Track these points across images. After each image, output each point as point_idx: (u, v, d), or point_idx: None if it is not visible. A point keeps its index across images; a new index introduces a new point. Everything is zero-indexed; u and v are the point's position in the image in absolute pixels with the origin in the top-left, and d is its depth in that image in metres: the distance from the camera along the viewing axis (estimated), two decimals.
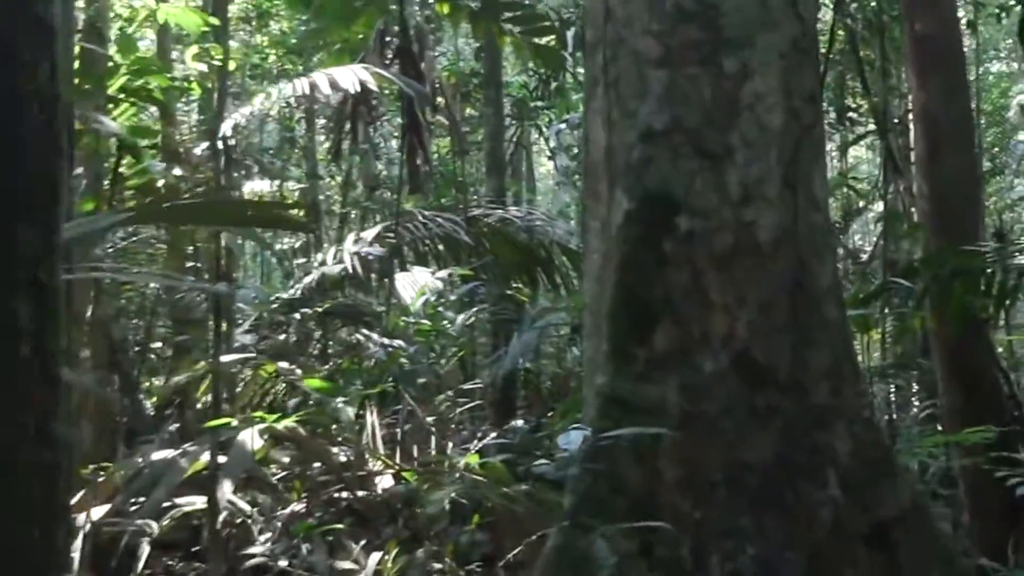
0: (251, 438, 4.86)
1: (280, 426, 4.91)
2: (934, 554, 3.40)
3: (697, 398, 3.28)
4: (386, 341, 5.58)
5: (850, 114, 9.37)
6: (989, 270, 4.70)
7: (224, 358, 5.10)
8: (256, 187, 12.08)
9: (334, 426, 4.93)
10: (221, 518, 4.33)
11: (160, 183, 5.39)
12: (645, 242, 3.28)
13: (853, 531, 3.34)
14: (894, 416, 8.17)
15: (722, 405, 3.29)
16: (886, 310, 5.96)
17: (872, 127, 8.69)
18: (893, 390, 8.33)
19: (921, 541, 3.39)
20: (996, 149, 11.17)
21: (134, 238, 6.82)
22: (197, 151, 8.25)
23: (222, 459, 4.38)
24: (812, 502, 3.44)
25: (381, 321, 5.19)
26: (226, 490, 4.64)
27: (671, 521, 3.27)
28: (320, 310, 6.11)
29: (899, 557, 3.39)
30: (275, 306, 6.67)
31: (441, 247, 7.07)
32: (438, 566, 4.08)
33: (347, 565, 4.22)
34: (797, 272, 3.33)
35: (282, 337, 6.38)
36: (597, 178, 3.51)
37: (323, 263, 7.17)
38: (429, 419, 5.23)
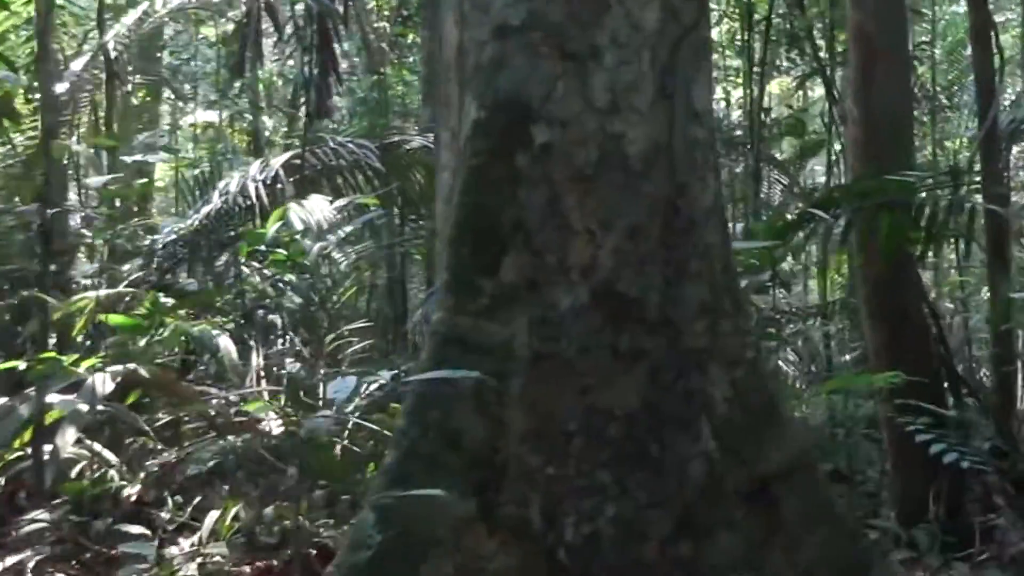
0: (102, 382, 4.41)
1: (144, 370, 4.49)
2: (819, 513, 3.09)
3: (551, 337, 2.95)
4: (268, 272, 5.12)
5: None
6: (918, 203, 4.32)
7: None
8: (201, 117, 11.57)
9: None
10: (79, 468, 4.26)
11: None
12: (495, 156, 2.89)
13: (729, 488, 3.05)
14: (831, 359, 7.84)
15: (580, 345, 2.98)
16: (809, 244, 5.58)
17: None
18: (833, 330, 8.00)
19: (806, 499, 3.10)
20: (955, 88, 10.83)
21: None
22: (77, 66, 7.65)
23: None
24: (682, 456, 3.23)
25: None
26: (68, 437, 4.17)
27: (518, 478, 2.96)
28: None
29: (781, 516, 3.08)
30: (173, 237, 6.17)
31: (360, 177, 6.67)
32: (287, 523, 3.69)
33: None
34: (672, 193, 2.97)
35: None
36: (448, 81, 3.06)
37: (225, 192, 6.71)
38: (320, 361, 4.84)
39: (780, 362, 7.06)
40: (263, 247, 4.87)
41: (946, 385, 5.38)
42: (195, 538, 3.87)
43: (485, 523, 2.89)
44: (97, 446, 4.75)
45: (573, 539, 2.97)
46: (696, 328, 3.12)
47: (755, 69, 9.12)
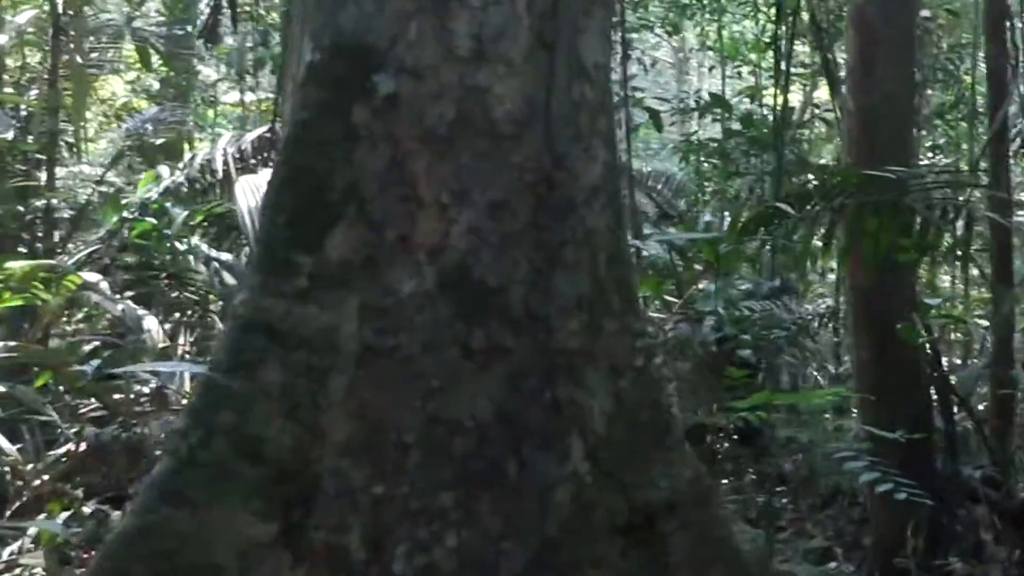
0: None
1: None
2: (714, 554, 2.60)
3: (387, 329, 2.59)
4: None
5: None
6: (908, 205, 3.88)
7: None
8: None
9: None
10: None
11: None
12: (328, 108, 2.49)
13: (602, 520, 2.60)
14: (838, 369, 7.43)
15: (423, 340, 2.62)
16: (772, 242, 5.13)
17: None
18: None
19: (698, 534, 2.61)
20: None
21: None
22: None
23: None
24: (546, 478, 2.86)
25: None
26: None
27: (335, 497, 2.77)
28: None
29: (666, 556, 2.59)
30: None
31: None
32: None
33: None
34: (547, 165, 2.55)
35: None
36: (295, 19, 2.63)
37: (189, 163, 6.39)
38: None
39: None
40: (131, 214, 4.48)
41: (936, 404, 4.92)
42: (18, 545, 3.47)
43: (288, 550, 2.47)
44: None
45: (403, 572, 2.53)
46: (570, 326, 2.69)
47: (781, 65, 8.63)
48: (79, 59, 8.33)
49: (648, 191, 10.42)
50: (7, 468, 4.35)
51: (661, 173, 11.17)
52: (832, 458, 4.30)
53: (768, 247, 5.63)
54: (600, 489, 2.87)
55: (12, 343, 4.82)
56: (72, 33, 8.28)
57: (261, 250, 2.68)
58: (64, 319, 6.10)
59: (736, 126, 8.61)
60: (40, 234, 6.87)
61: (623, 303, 2.96)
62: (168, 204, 4.42)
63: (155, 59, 8.70)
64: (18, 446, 4.53)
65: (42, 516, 3.91)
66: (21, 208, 6.93)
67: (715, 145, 9.63)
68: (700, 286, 4.88)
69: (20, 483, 4.29)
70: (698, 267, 4.82)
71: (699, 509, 2.96)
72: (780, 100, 8.55)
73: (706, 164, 9.94)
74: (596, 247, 2.90)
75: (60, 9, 8.02)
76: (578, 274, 2.86)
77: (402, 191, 2.71)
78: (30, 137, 8.14)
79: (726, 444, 5.69)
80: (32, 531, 3.64)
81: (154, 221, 4.37)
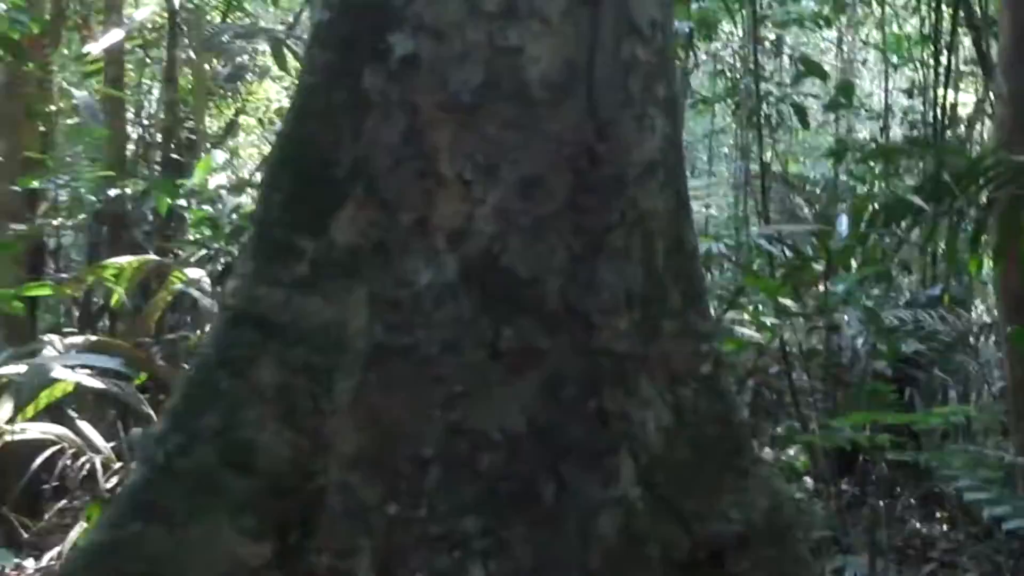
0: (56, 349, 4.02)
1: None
2: None
3: (401, 325, 2.50)
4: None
5: None
6: None
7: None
8: None
9: None
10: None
11: None
12: (336, 73, 2.23)
13: (658, 554, 2.21)
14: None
15: (443, 339, 2.53)
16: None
17: None
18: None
19: (775, 572, 2.19)
20: None
21: None
22: None
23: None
24: (588, 503, 2.49)
25: None
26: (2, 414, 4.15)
27: (341, 517, 2.43)
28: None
29: None
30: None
31: None
32: None
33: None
34: (589, 136, 2.19)
35: None
36: None
37: None
38: None
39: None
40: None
41: None
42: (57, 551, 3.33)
43: (284, 575, 2.13)
44: (88, 427, 4.30)
45: None
46: (617, 325, 2.35)
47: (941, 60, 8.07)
48: (194, 55, 8.35)
49: (807, 196, 9.90)
50: (100, 465, 4.25)
51: (807, 177, 10.63)
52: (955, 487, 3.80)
53: (905, 246, 5.13)
54: (654, 518, 2.50)
55: (94, 338, 4.72)
56: (188, 30, 8.33)
57: (257, 233, 2.43)
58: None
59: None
60: (147, 230, 6.87)
61: (685, 299, 2.59)
62: (223, 191, 4.26)
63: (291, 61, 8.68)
64: (112, 444, 4.46)
65: None
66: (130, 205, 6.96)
67: (873, 146, 9.09)
68: (821, 288, 4.44)
69: (114, 480, 4.19)
70: (817, 267, 4.38)
71: (777, 546, 2.56)
72: (942, 97, 7.99)
73: (861, 166, 9.34)
74: (651, 233, 2.55)
75: (176, 5, 8.05)
76: (627, 264, 2.50)
77: (419, 166, 2.43)
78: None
79: (882, 465, 5.20)
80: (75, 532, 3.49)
81: (209, 209, 4.23)
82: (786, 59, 10.87)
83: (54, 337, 4.50)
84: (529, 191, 2.47)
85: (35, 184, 4.60)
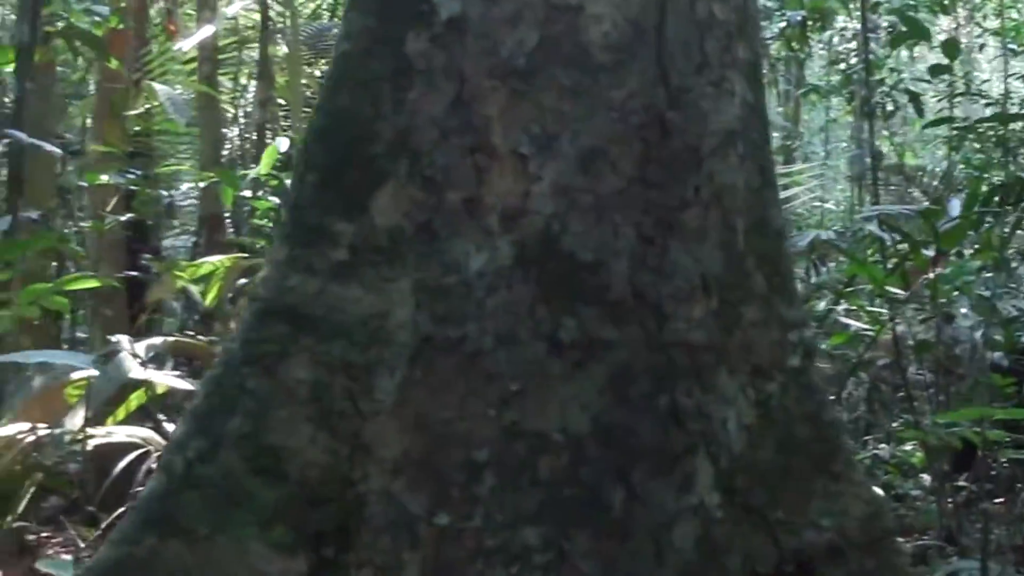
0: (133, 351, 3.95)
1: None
2: None
3: (449, 315, 2.28)
4: None
5: None
6: None
7: None
8: None
9: None
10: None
11: None
12: (375, 38, 2.00)
13: (740, 567, 1.99)
14: None
15: (497, 330, 2.30)
16: None
17: None
18: None
19: None
20: None
21: None
22: None
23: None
24: (662, 511, 2.26)
25: None
26: (76, 419, 3.94)
27: (384, 529, 2.22)
28: None
29: None
30: None
31: None
32: None
33: None
34: (660, 100, 1.94)
35: None
36: None
37: None
38: None
39: None
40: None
41: None
42: None
43: None
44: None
45: None
46: (692, 313, 2.12)
47: None
48: (288, 50, 8.27)
49: (924, 188, 9.48)
50: None
51: (925, 168, 10.19)
52: None
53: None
54: (736, 528, 2.27)
55: (171, 338, 4.63)
56: (284, 24, 8.26)
57: (290, 217, 2.24)
58: None
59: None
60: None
61: (769, 284, 2.34)
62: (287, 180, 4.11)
63: None
64: None
65: None
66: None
67: (992, 133, 8.63)
68: (931, 275, 4.09)
69: None
70: (928, 253, 4.04)
71: (874, 556, 2.32)
72: None
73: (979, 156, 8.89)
74: (730, 210, 2.31)
75: (268, 1, 7.97)
76: (703, 245, 2.27)
77: (468, 140, 2.24)
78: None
79: (1001, 461, 4.84)
80: None
81: (276, 200, 4.08)
82: (903, 51, 10.43)
83: (123, 338, 4.42)
84: (591, 165, 2.24)
85: (104, 179, 4.53)
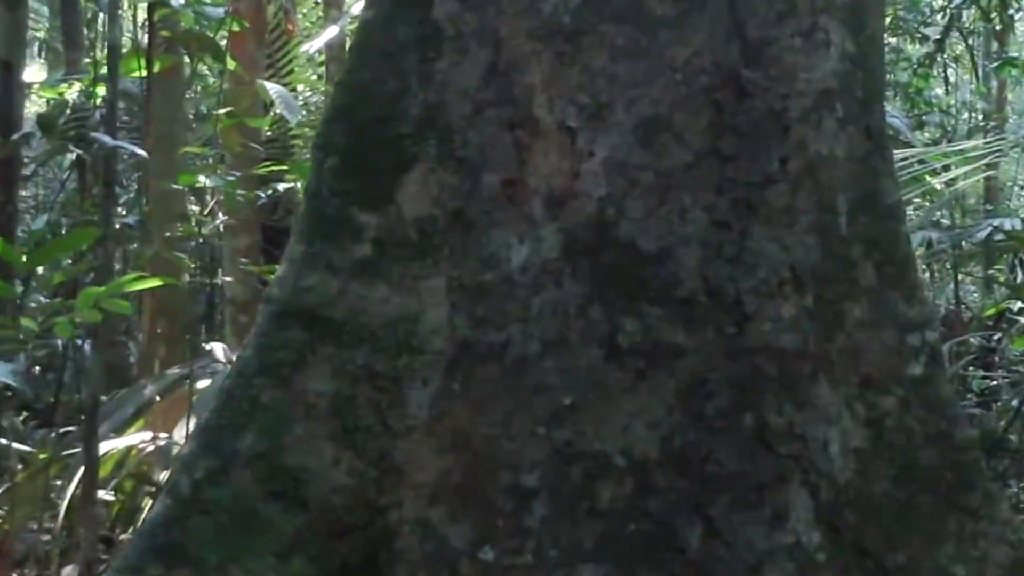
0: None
1: None
2: None
3: (490, 317, 2.01)
4: None
5: None
6: None
7: None
8: None
9: None
10: None
11: None
12: (402, 3, 1.76)
13: None
14: None
15: (546, 335, 2.05)
16: None
17: None
18: None
19: None
20: None
21: None
22: None
23: None
24: (749, 551, 1.91)
25: None
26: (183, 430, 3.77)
27: (419, 562, 1.94)
28: None
29: None
30: None
31: None
32: None
33: None
34: (734, 57, 1.66)
35: None
36: None
37: None
38: None
39: None
40: None
41: None
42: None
43: None
44: None
45: None
46: (782, 312, 1.73)
47: None
48: None
49: None
50: None
51: None
52: None
53: None
54: (843, 573, 1.83)
55: None
56: None
57: (308, 208, 1.98)
58: None
59: None
60: None
61: (881, 275, 1.96)
62: None
63: None
64: None
65: None
66: None
67: None
68: None
69: None
70: None
71: None
72: None
73: None
74: (828, 186, 1.95)
75: None
76: (793, 229, 1.92)
77: (507, 113, 1.97)
78: None
79: None
80: None
81: None
82: None
83: (217, 345, 4.32)
84: (652, 138, 1.93)
85: (203, 181, 4.47)
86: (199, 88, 7.68)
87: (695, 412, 2.00)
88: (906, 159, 4.63)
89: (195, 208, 6.74)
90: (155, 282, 3.13)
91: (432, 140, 2.01)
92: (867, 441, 2.03)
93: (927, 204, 7.96)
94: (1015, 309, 5.03)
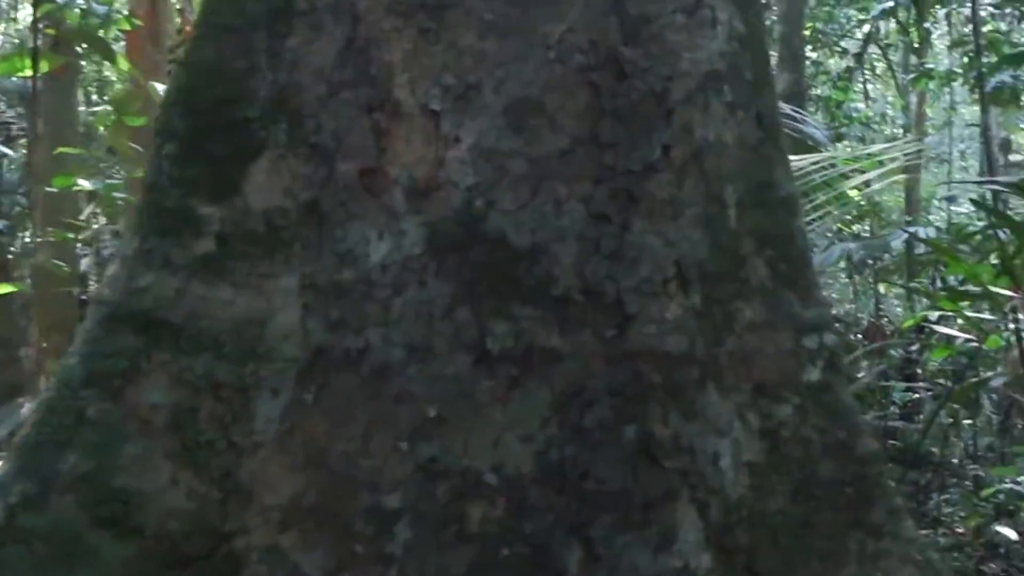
0: None
1: None
2: None
3: (346, 321, 1.81)
4: None
5: None
6: None
7: None
8: None
9: None
10: None
11: None
12: None
13: None
14: None
15: (409, 339, 1.83)
16: None
17: None
18: None
19: None
20: None
21: None
22: None
23: None
24: (634, 574, 1.91)
25: None
26: None
27: None
28: None
29: None
30: None
31: None
32: None
33: None
34: (613, 35, 1.45)
35: None
36: None
37: None
38: None
39: None
40: None
41: None
42: None
43: None
44: None
45: None
46: (666, 314, 1.55)
47: None
48: None
49: None
50: None
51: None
52: None
53: None
54: None
55: None
56: None
57: (144, 200, 1.76)
58: None
59: None
60: None
61: (775, 273, 1.78)
62: None
63: None
64: None
65: None
66: None
67: None
68: None
69: None
70: None
71: None
72: None
73: None
74: (716, 175, 1.76)
75: None
76: (678, 222, 1.72)
77: (365, 96, 1.77)
78: None
79: None
80: None
81: None
82: None
83: None
84: (524, 122, 1.76)
85: (79, 184, 4.23)
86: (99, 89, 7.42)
87: (573, 423, 1.83)
88: (818, 163, 4.58)
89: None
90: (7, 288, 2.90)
91: (282, 124, 1.81)
92: (761, 454, 1.87)
93: (848, 216, 7.97)
94: (934, 319, 4.99)
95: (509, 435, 1.83)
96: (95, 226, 4.79)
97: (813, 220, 5.13)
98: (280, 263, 1.87)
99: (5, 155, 3.24)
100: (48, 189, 4.56)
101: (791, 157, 5.01)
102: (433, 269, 1.85)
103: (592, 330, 1.84)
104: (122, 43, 5.93)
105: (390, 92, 1.87)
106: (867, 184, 4.97)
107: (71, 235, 4.29)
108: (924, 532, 3.92)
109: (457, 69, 1.86)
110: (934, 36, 11.56)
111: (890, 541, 1.88)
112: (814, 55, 12.73)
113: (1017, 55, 5.82)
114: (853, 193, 5.99)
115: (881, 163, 4.82)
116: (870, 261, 6.97)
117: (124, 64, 4.44)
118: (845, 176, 4.84)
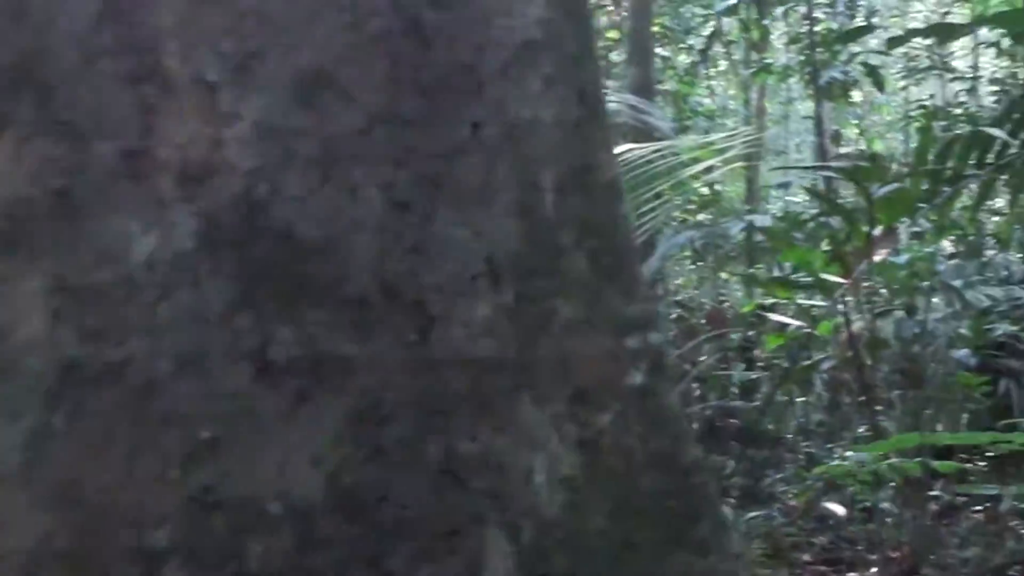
0: None
1: None
2: None
3: (105, 330, 1.51)
4: None
5: None
6: None
7: None
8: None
9: None
10: None
11: None
12: None
13: None
14: None
15: (179, 349, 1.55)
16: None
17: None
18: None
19: None
20: None
21: None
22: None
23: None
24: None
25: None
26: None
27: None
28: None
29: None
30: None
31: None
32: None
33: None
34: (416, 3, 1.14)
35: None
36: None
37: None
38: None
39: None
40: None
41: None
42: None
43: None
44: None
45: None
46: (474, 315, 1.34)
47: None
48: None
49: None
50: None
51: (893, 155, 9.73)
52: None
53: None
54: None
55: None
56: None
57: None
58: None
59: None
60: None
61: (596, 267, 1.60)
62: None
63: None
64: None
65: None
66: None
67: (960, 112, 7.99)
68: (876, 258, 3.44)
69: None
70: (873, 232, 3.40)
71: None
72: None
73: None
74: (532, 159, 1.57)
75: None
76: (489, 211, 1.52)
77: (128, 65, 1.51)
78: None
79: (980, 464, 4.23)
80: None
81: None
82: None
83: None
84: (314, 97, 1.54)
85: None
86: None
87: (369, 442, 1.61)
88: (660, 151, 4.54)
89: None
90: None
91: (28, 99, 1.54)
92: (579, 467, 1.69)
93: (691, 205, 8.09)
94: (768, 305, 5.11)
95: (296, 457, 1.60)
96: None
97: (655, 208, 5.15)
98: (23, 262, 1.59)
99: None
100: None
101: (633, 145, 4.96)
102: (208, 267, 1.60)
103: (391, 335, 1.62)
104: None
105: (158, 61, 1.61)
106: (709, 171, 4.99)
107: None
108: (761, 510, 4.00)
109: (237, 34, 1.62)
110: (773, 35, 11.85)
111: (716, 558, 1.73)
112: (662, 51, 12.95)
113: (849, 32, 5.92)
114: (696, 183, 6.05)
115: (721, 152, 4.84)
116: (713, 248, 7.08)
117: None
118: (686, 164, 4.85)
